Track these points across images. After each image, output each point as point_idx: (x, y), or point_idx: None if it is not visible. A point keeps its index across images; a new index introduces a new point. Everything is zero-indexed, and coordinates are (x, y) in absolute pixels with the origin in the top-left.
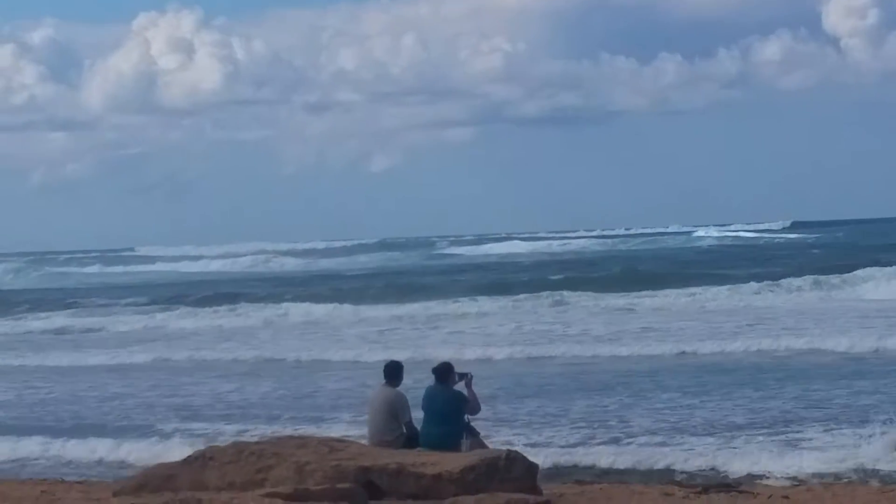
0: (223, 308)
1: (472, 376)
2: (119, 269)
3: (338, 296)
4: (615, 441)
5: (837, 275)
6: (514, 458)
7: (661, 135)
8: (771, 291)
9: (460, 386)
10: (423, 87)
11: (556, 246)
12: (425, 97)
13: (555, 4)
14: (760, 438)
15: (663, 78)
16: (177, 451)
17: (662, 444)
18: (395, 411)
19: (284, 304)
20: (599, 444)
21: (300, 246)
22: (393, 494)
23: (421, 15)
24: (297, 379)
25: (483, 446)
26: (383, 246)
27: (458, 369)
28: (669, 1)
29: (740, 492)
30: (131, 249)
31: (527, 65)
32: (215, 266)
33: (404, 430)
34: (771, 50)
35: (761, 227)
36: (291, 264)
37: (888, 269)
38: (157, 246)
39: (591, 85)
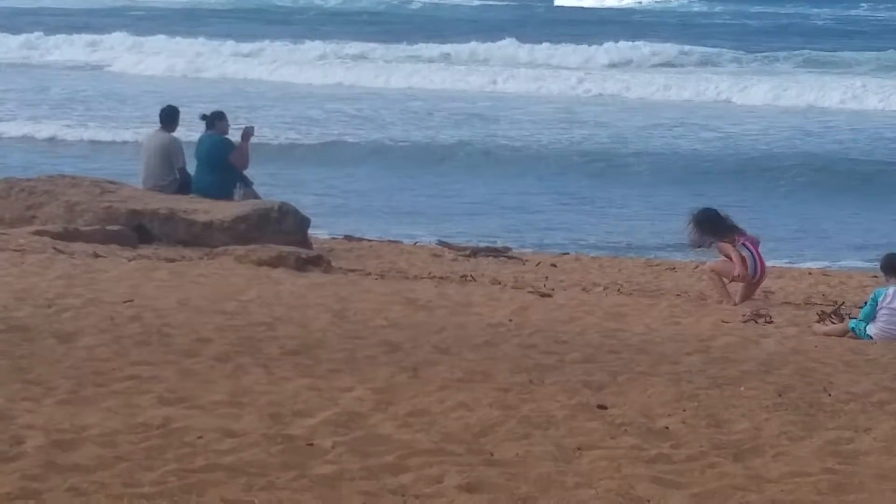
0: None
1: (252, 129)
2: None
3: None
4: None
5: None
6: (286, 211)
7: None
8: None
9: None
10: None
11: None
12: None
13: None
14: None
15: None
16: None
17: None
18: (169, 156)
19: None
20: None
21: None
22: (163, 239)
23: None
24: None
25: (256, 197)
26: None
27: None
28: None
29: (509, 257)
30: None
31: None
32: None
33: (178, 176)
34: None
35: None
36: None
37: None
38: None
39: None
